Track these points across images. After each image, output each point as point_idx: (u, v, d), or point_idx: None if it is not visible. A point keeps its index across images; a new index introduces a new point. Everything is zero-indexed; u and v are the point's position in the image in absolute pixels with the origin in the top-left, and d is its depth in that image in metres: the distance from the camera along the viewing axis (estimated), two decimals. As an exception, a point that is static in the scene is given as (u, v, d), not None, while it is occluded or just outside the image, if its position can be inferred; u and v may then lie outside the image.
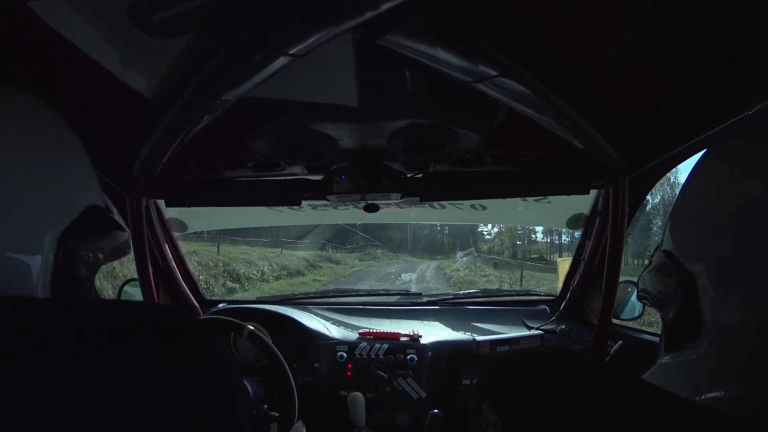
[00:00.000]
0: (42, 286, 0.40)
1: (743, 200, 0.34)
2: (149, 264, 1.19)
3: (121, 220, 1.12)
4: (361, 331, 1.25)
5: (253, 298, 2.21)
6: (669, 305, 0.39)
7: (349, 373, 1.19)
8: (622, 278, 1.06)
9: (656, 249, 0.43)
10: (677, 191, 0.42)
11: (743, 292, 0.33)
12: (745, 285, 0.33)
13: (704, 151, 0.41)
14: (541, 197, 1.22)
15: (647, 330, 1.35)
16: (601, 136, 0.81)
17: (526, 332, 1.28)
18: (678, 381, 0.37)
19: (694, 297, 0.36)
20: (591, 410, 0.28)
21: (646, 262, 0.45)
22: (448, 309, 1.49)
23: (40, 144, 0.42)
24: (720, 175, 0.39)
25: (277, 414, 1.03)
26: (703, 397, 0.34)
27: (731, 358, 0.34)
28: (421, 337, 1.23)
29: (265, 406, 1.04)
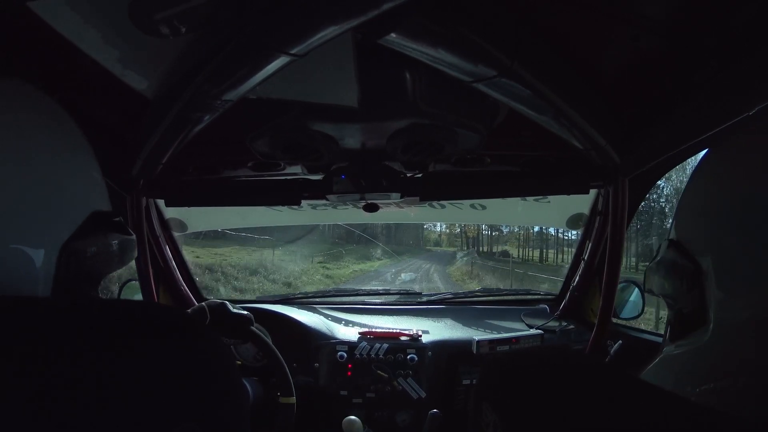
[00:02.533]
0: (43, 284, 0.40)
1: (747, 197, 0.34)
2: (149, 264, 1.19)
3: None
4: (361, 330, 1.25)
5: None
6: (675, 295, 0.40)
7: (349, 373, 1.19)
8: (622, 278, 1.06)
9: (663, 241, 0.43)
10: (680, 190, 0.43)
11: (745, 289, 0.34)
12: (747, 282, 0.33)
13: (707, 150, 0.42)
14: (541, 197, 1.22)
15: (647, 330, 1.35)
16: (601, 137, 0.81)
17: (526, 331, 1.28)
18: (680, 371, 0.38)
19: (700, 287, 0.37)
20: (591, 410, 0.28)
21: (646, 263, 0.46)
22: (448, 308, 1.49)
23: (49, 141, 0.42)
24: (724, 173, 0.39)
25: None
26: (702, 388, 0.34)
27: (733, 353, 0.34)
28: (421, 336, 1.22)
29: None
